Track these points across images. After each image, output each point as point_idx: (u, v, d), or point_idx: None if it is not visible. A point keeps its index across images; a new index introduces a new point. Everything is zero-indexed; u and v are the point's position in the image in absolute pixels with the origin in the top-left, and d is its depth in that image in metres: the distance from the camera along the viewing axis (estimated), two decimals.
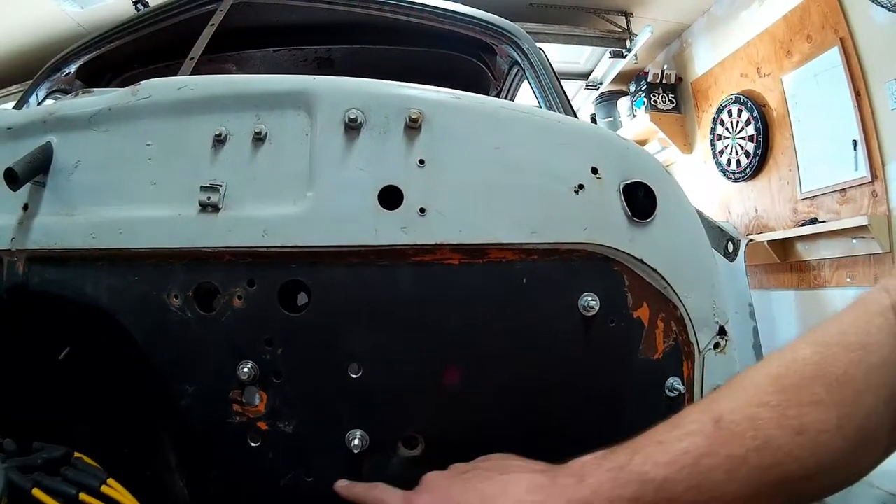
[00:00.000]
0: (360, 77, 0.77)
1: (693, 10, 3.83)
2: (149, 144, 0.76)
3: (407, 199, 0.70)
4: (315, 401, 0.72)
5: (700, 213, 0.98)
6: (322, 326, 0.71)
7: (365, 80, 0.76)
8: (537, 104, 1.35)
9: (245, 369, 0.70)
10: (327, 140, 0.72)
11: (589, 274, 0.75)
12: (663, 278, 0.77)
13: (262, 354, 0.71)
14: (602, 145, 0.78)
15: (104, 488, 0.66)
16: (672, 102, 4.16)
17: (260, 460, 0.72)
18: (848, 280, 2.78)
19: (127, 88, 0.80)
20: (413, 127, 0.72)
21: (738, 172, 3.53)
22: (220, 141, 0.74)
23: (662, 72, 4.12)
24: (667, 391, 0.77)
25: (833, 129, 2.81)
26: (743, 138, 3.46)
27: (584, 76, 4.27)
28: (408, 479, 0.72)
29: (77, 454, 0.71)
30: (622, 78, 4.22)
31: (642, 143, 4.16)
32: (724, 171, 3.67)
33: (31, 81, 1.58)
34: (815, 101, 2.94)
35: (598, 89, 4.34)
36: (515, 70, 1.56)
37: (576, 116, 1.32)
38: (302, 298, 0.74)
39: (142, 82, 0.80)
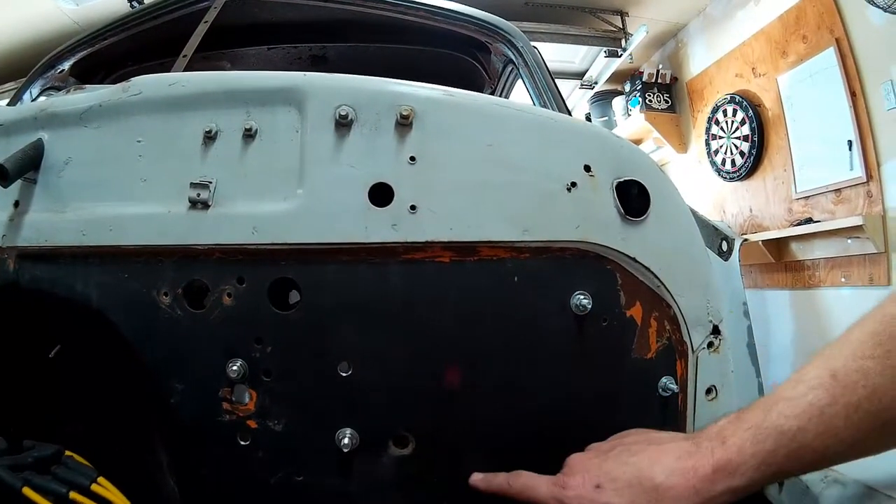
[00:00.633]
0: (354, 75, 0.77)
1: (688, 9, 3.82)
2: (139, 141, 0.76)
3: (398, 196, 0.70)
4: (305, 399, 0.72)
5: (694, 212, 0.98)
6: (312, 324, 0.71)
7: (356, 77, 0.76)
8: (532, 103, 1.35)
9: (235, 367, 0.69)
10: (318, 137, 0.72)
11: (581, 272, 0.74)
12: (657, 277, 0.76)
13: (252, 352, 0.70)
14: (595, 143, 0.78)
15: (95, 487, 0.66)
16: (667, 102, 4.15)
17: (250, 459, 0.71)
18: (842, 280, 2.78)
19: (118, 85, 0.80)
20: (404, 124, 0.71)
21: (732, 172, 3.53)
22: (210, 138, 0.74)
23: (658, 71, 4.12)
24: (660, 391, 0.77)
25: (828, 129, 2.81)
26: (738, 138, 3.46)
27: (580, 75, 4.27)
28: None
29: (68, 452, 0.70)
30: (617, 77, 4.21)
31: (637, 142, 4.16)
32: (718, 171, 3.67)
33: (25, 78, 1.58)
34: (810, 102, 2.93)
35: (593, 88, 4.35)
36: (510, 68, 1.56)
37: (570, 115, 1.32)
38: (293, 296, 0.74)
39: (133, 79, 0.80)
